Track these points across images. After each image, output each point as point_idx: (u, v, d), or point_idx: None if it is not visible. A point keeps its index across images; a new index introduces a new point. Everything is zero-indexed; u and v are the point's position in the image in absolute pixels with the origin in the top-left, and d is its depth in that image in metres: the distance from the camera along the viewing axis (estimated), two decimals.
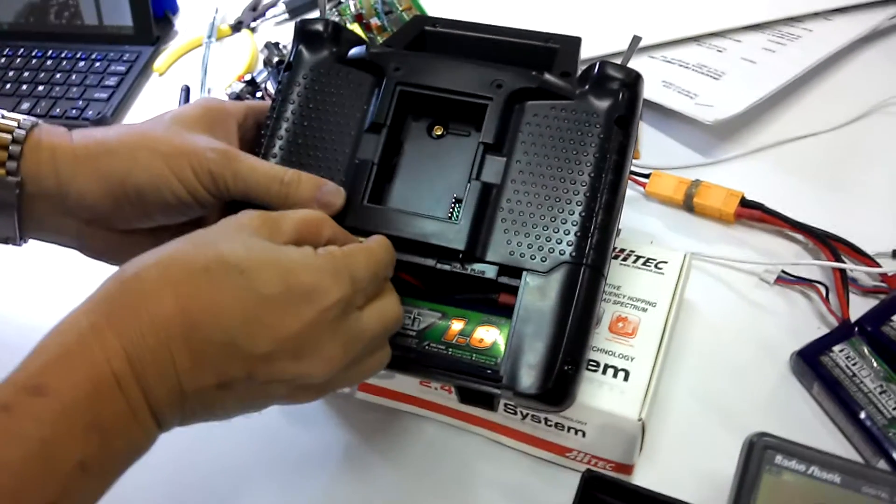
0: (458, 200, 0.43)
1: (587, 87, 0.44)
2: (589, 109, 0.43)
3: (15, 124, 0.41)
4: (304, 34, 0.48)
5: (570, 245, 0.41)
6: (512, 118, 0.44)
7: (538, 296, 0.40)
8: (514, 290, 0.41)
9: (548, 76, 0.44)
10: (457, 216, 0.43)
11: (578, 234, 0.41)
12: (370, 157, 0.44)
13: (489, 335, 0.42)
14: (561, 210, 0.42)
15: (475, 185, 0.43)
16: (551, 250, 0.41)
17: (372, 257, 0.38)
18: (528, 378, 0.39)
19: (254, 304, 0.34)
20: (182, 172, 0.41)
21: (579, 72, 0.46)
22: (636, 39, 0.46)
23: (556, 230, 0.41)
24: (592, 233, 0.41)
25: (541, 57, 0.47)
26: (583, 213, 0.41)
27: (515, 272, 0.41)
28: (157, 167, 0.41)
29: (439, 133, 0.46)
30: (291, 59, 0.47)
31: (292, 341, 0.34)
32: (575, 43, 0.48)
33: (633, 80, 0.44)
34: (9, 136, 0.41)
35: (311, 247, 0.36)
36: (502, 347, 0.41)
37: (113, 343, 0.32)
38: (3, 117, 0.42)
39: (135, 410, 0.32)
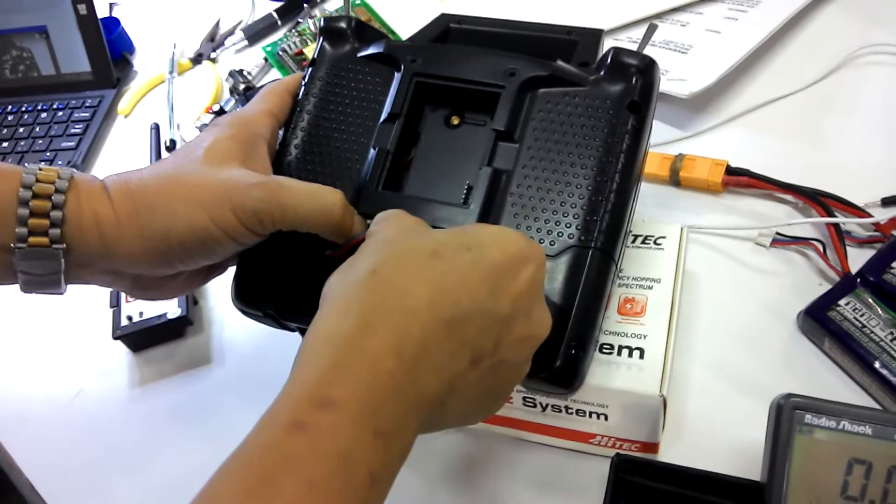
0: (472, 188, 0.43)
1: (601, 74, 0.44)
2: (601, 95, 0.43)
3: (52, 187, 0.39)
4: (328, 31, 0.49)
5: (578, 229, 0.41)
6: (524, 106, 0.44)
7: (546, 279, 0.40)
8: None
9: (561, 64, 0.44)
10: (470, 200, 0.43)
11: (587, 217, 0.41)
12: (386, 145, 0.45)
13: None
14: (570, 194, 0.42)
15: (486, 171, 0.43)
16: (560, 234, 0.41)
17: None
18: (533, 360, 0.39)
19: (489, 271, 0.34)
20: (224, 220, 0.40)
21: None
22: (652, 27, 0.46)
23: (564, 214, 0.41)
24: (602, 216, 0.41)
25: (562, 50, 0.48)
26: (592, 197, 0.41)
27: None
28: (198, 220, 0.40)
29: (456, 123, 0.46)
30: (316, 55, 0.49)
31: (523, 299, 0.35)
32: (595, 35, 0.48)
33: (647, 66, 0.44)
34: (48, 203, 0.39)
35: None
36: None
37: (381, 343, 0.31)
38: (37, 180, 0.39)
39: (408, 410, 0.31)
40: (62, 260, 0.39)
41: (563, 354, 0.39)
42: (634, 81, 0.43)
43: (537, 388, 0.41)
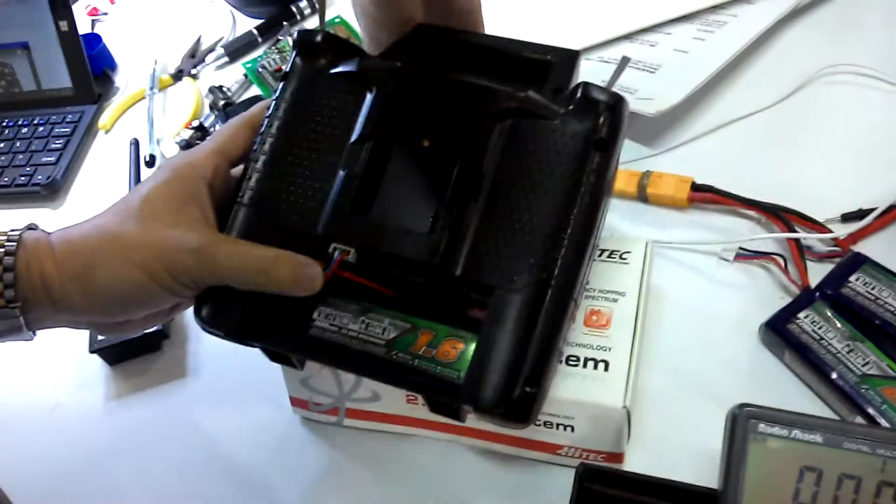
0: (438, 215, 0.43)
1: (570, 108, 0.43)
2: (568, 131, 0.43)
3: (1, 250, 0.41)
4: (302, 45, 0.49)
5: (538, 265, 0.41)
6: (492, 136, 0.44)
7: (504, 314, 0.41)
8: (485, 306, 0.42)
9: (532, 95, 0.44)
10: (435, 230, 0.43)
11: (547, 254, 0.41)
12: (355, 168, 0.44)
13: (455, 349, 0.42)
14: (532, 230, 0.41)
15: (452, 202, 0.43)
16: (520, 269, 0.41)
17: None
18: (488, 395, 0.40)
19: None
20: (160, 279, 0.42)
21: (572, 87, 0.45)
22: (625, 60, 0.45)
23: (525, 249, 0.41)
24: (563, 254, 0.41)
25: (538, 69, 0.48)
26: (554, 234, 0.41)
27: (486, 289, 0.42)
28: (136, 278, 0.42)
29: (427, 145, 0.45)
30: (289, 68, 0.48)
31: None
32: (571, 58, 0.48)
33: (615, 103, 0.43)
34: (0, 267, 0.41)
35: None
36: (467, 362, 0.42)
37: None
38: None
39: None
40: (20, 317, 0.41)
41: (519, 392, 0.40)
42: (602, 120, 0.43)
43: (489, 421, 0.42)
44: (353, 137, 0.45)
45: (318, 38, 0.48)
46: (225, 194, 0.46)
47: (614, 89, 0.45)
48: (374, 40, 0.52)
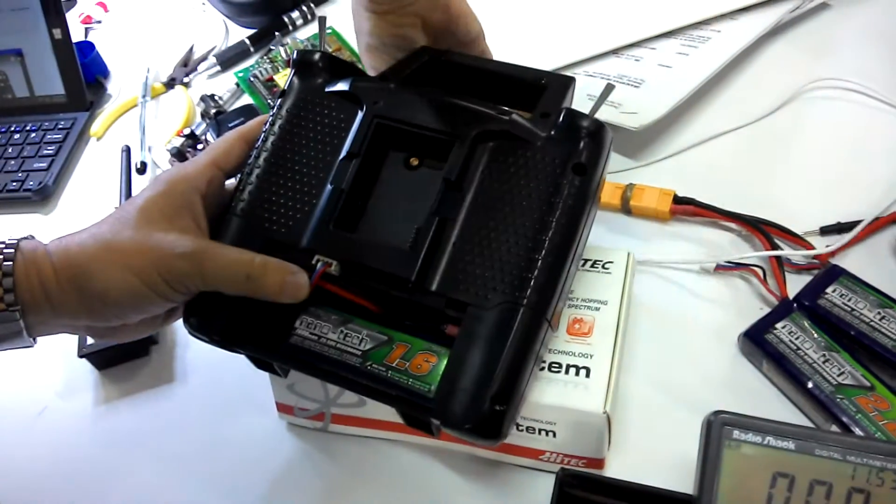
0: (420, 233, 0.44)
1: (552, 133, 0.45)
2: (548, 155, 0.44)
3: (0, 256, 0.42)
4: (299, 64, 0.50)
5: (512, 285, 0.42)
6: (475, 157, 0.45)
7: (476, 332, 0.41)
8: (460, 323, 0.42)
9: (515, 118, 0.45)
10: (415, 246, 0.44)
11: (522, 273, 0.42)
12: (342, 183, 0.46)
13: (428, 362, 0.43)
14: (509, 250, 0.42)
15: (432, 219, 0.44)
16: (494, 288, 0.42)
17: None
18: (456, 412, 0.41)
19: None
20: (154, 284, 0.43)
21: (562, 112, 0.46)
22: (609, 88, 0.46)
23: (500, 269, 0.42)
24: (536, 275, 0.42)
25: (532, 94, 0.49)
26: (528, 254, 0.42)
27: (460, 306, 0.42)
28: (130, 284, 0.43)
29: (415, 164, 0.47)
30: (286, 86, 0.50)
31: None
32: (565, 83, 0.50)
33: (596, 130, 0.44)
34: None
35: None
36: (439, 376, 0.42)
37: None
38: None
39: None
40: (21, 320, 0.42)
41: (488, 410, 0.40)
42: (583, 145, 0.44)
43: (457, 436, 0.42)
44: (342, 154, 0.47)
45: (315, 57, 0.50)
46: (219, 205, 0.48)
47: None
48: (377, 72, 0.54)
